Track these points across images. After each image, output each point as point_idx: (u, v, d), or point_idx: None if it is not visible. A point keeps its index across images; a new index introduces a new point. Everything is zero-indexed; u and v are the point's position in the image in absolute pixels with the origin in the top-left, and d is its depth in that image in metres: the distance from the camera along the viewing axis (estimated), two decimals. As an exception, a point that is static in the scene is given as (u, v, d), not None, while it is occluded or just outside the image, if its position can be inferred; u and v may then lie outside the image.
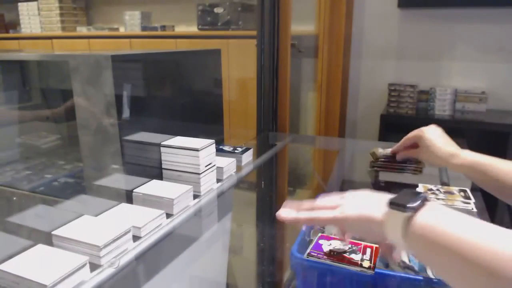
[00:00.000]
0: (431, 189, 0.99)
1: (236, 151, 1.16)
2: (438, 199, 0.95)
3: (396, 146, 1.12)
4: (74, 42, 3.51)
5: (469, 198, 0.93)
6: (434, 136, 0.95)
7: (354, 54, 2.86)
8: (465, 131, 2.50)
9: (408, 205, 0.50)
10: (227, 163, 1.05)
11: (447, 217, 0.49)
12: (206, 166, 0.93)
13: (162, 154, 0.94)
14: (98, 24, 3.87)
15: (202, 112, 1.25)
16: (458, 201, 0.92)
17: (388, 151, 1.23)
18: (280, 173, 1.48)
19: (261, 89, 1.66)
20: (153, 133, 0.97)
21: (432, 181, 1.07)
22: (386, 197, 0.55)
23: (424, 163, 1.20)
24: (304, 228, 0.86)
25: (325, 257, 0.77)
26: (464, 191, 0.97)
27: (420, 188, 1.01)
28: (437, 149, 0.92)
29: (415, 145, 1.04)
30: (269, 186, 1.35)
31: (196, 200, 0.90)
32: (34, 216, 0.94)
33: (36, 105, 1.40)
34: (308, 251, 0.80)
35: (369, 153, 1.27)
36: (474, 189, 0.98)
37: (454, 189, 0.99)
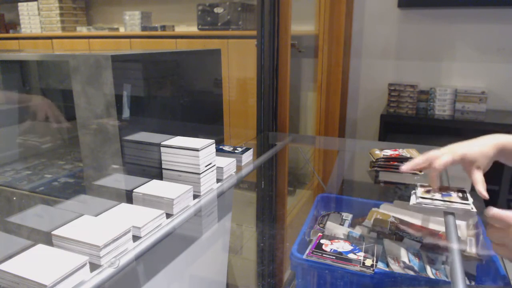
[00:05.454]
0: (429, 190, 0.99)
1: (236, 151, 1.16)
2: (436, 200, 0.94)
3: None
4: (74, 42, 3.51)
5: (467, 199, 0.93)
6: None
7: (354, 54, 2.86)
8: (465, 131, 2.50)
9: None
10: (227, 163, 1.05)
11: None
12: (206, 166, 0.93)
13: (162, 154, 0.94)
14: (98, 24, 3.87)
15: (202, 112, 1.25)
16: (457, 201, 0.92)
17: (388, 152, 1.23)
18: (280, 173, 1.48)
19: (261, 89, 1.66)
20: (153, 133, 0.97)
21: (432, 181, 1.07)
22: None
23: None
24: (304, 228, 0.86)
25: (325, 257, 0.77)
26: (463, 191, 0.97)
27: (419, 189, 1.01)
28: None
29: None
30: (269, 186, 1.35)
31: (196, 200, 0.90)
32: (34, 216, 0.94)
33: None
34: (308, 251, 0.80)
35: (369, 153, 1.28)
36: (473, 189, 0.98)
37: (453, 188, 0.98)
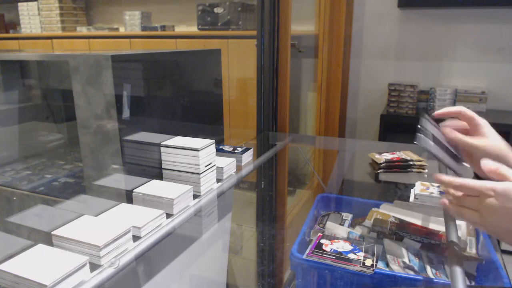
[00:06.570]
0: (428, 188, 0.99)
1: (236, 151, 1.16)
2: (434, 196, 0.95)
3: (443, 113, 0.83)
4: (74, 42, 3.51)
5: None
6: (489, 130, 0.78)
7: (354, 54, 2.86)
8: (465, 131, 2.50)
9: None
10: (227, 163, 1.05)
11: None
12: (206, 166, 0.93)
13: (162, 154, 0.94)
14: (98, 24, 3.86)
15: (202, 112, 1.25)
16: None
17: (388, 156, 1.24)
18: (280, 173, 1.48)
19: (261, 89, 1.66)
20: (153, 133, 0.97)
21: (433, 181, 1.07)
22: None
23: (426, 163, 1.21)
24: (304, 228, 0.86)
25: (325, 257, 0.77)
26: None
27: (418, 186, 1.02)
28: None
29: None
30: (269, 186, 1.35)
31: (196, 200, 0.90)
32: (34, 216, 0.94)
33: (36, 105, 1.40)
34: (308, 251, 0.80)
35: (368, 155, 1.28)
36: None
37: None
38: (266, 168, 1.37)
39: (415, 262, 0.84)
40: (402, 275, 0.77)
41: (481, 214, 0.65)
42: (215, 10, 2.95)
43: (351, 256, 0.77)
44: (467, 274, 0.83)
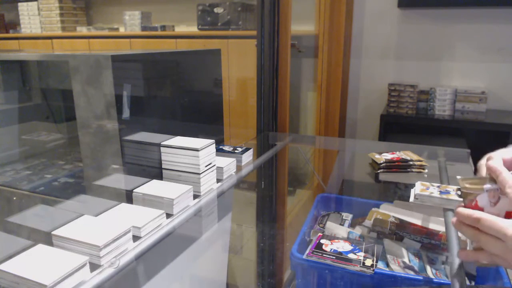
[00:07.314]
0: (428, 188, 0.99)
1: (236, 151, 1.16)
2: (434, 197, 0.94)
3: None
4: (74, 42, 3.51)
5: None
6: None
7: (354, 54, 2.86)
8: (465, 131, 2.50)
9: None
10: (227, 163, 1.05)
11: None
12: (206, 166, 0.93)
13: (162, 154, 0.94)
14: (98, 24, 3.87)
15: (202, 112, 1.25)
16: (455, 199, 0.92)
17: (388, 156, 1.24)
18: (280, 173, 1.48)
19: (261, 89, 1.66)
20: (153, 133, 0.97)
21: (433, 181, 1.07)
22: None
23: (426, 163, 1.20)
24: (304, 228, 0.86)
25: (325, 257, 0.77)
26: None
27: (418, 186, 1.02)
28: None
29: None
30: (269, 186, 1.35)
31: (196, 200, 0.90)
32: (34, 216, 0.94)
33: (36, 105, 1.40)
34: (308, 251, 0.80)
35: (368, 155, 1.28)
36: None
37: (451, 187, 0.99)
38: (266, 168, 1.37)
39: (415, 262, 0.84)
40: (402, 275, 0.77)
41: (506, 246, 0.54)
42: (215, 10, 2.95)
43: (351, 256, 0.77)
44: (467, 274, 0.83)
